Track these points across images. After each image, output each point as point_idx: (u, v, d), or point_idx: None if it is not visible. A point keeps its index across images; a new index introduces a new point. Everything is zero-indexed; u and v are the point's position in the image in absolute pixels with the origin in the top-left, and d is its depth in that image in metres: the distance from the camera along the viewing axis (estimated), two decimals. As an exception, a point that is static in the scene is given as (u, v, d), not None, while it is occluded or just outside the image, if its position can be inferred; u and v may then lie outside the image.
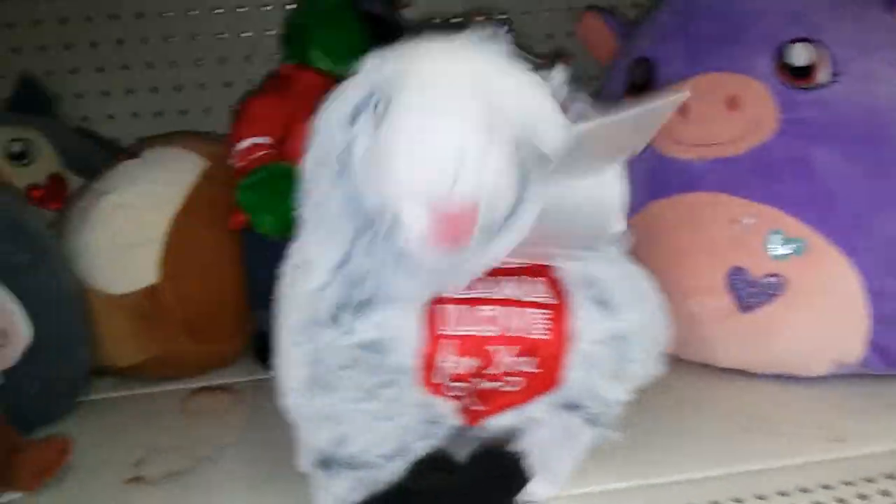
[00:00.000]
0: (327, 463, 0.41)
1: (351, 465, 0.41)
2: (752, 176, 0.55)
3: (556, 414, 0.45)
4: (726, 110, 0.57)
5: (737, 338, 0.57)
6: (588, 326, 0.43)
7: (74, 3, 0.88)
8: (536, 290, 0.43)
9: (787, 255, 0.54)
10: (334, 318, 0.39)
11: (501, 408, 0.44)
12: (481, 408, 0.44)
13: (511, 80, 0.37)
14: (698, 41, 0.60)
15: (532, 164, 0.37)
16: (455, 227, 0.35)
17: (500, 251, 0.39)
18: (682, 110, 0.58)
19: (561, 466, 0.45)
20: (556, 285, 0.44)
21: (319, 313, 0.39)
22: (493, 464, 0.43)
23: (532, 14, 0.96)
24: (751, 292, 0.55)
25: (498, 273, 0.43)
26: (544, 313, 0.43)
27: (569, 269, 0.44)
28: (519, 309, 0.42)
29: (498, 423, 0.45)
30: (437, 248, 0.36)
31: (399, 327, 0.40)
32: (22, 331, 0.52)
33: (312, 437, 0.41)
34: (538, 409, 0.45)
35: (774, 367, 0.57)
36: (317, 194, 0.40)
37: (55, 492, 0.49)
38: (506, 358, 0.42)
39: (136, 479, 0.50)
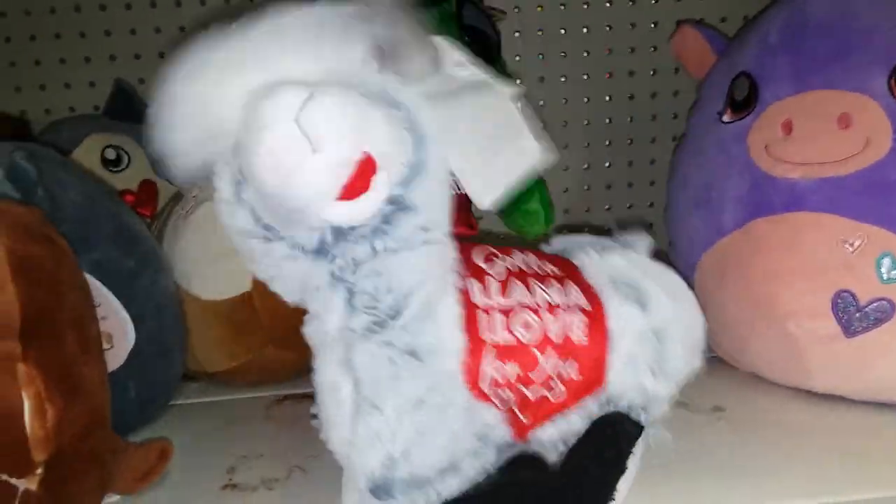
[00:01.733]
0: (379, 491, 0.40)
1: (405, 486, 0.40)
2: (863, 196, 0.53)
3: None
4: (837, 128, 0.55)
5: (838, 363, 0.55)
6: (625, 326, 0.43)
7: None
8: (571, 295, 0.43)
9: (898, 279, 0.52)
10: (370, 331, 0.39)
11: (547, 416, 0.43)
12: (528, 419, 0.43)
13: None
14: (807, 58, 0.58)
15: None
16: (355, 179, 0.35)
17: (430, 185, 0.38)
18: (786, 128, 0.57)
19: None
20: (588, 289, 0.44)
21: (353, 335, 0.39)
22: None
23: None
24: (858, 317, 0.53)
25: (532, 279, 0.44)
26: (581, 318, 0.43)
27: (595, 271, 0.45)
28: (556, 315, 0.42)
29: (545, 434, 0.44)
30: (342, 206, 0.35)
31: (439, 334, 0.40)
32: (127, 335, 0.53)
33: (363, 462, 0.40)
34: (583, 413, 0.44)
35: (874, 395, 0.55)
36: (268, 263, 0.40)
37: (154, 495, 0.50)
38: (547, 363, 0.42)
39: (231, 486, 0.50)
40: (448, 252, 0.41)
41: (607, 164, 1.02)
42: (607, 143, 1.01)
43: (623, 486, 0.44)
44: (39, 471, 0.35)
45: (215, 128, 0.34)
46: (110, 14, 0.90)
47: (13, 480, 0.35)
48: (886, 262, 0.52)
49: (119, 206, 0.57)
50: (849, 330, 0.53)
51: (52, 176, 0.51)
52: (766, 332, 0.58)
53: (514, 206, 0.70)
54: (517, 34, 0.95)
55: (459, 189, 0.66)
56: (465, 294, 0.42)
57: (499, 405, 0.42)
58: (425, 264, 0.39)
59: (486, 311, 0.41)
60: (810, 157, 0.56)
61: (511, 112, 0.41)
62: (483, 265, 0.44)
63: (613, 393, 0.44)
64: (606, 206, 1.03)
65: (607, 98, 0.99)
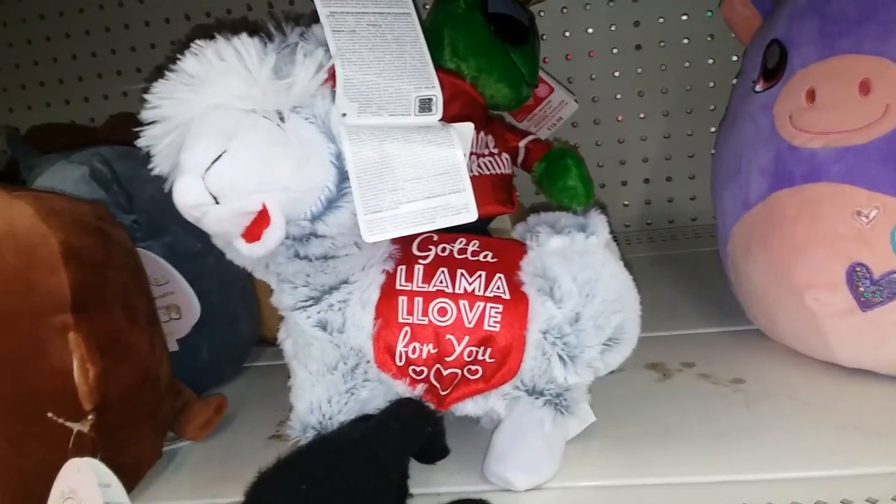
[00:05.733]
0: (305, 428, 0.49)
1: (319, 430, 0.48)
2: (881, 165, 0.51)
3: (519, 402, 0.48)
4: (858, 95, 0.53)
5: (856, 336, 0.54)
6: (535, 318, 0.46)
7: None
8: (493, 285, 0.47)
9: (914, 250, 0.50)
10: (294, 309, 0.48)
11: (464, 395, 0.48)
12: (445, 393, 0.48)
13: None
14: (833, 22, 0.56)
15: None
16: (253, 226, 0.41)
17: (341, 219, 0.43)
18: (809, 96, 0.56)
19: (533, 453, 0.47)
20: (515, 280, 0.47)
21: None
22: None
23: None
24: (873, 290, 0.52)
25: (460, 267, 0.48)
26: (496, 307, 0.47)
27: (529, 259, 0.48)
28: (473, 302, 0.47)
29: (465, 409, 0.49)
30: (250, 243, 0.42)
31: (352, 315, 0.47)
32: (193, 307, 0.62)
33: (297, 404, 0.49)
34: (498, 396, 0.49)
35: (897, 369, 0.54)
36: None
37: (212, 442, 0.59)
38: (461, 348, 0.47)
39: (277, 437, 0.58)
40: (365, 254, 0.46)
41: (689, 133, 1.01)
42: (688, 111, 1.00)
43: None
44: (91, 417, 0.45)
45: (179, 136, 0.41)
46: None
47: (69, 423, 0.45)
48: (902, 233, 0.50)
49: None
50: (863, 303, 0.52)
51: (131, 173, 0.61)
52: (788, 306, 0.57)
53: (553, 184, 0.72)
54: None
55: (500, 168, 0.70)
56: (391, 279, 0.48)
57: (413, 379, 0.48)
58: (340, 264, 0.46)
59: (407, 296, 0.47)
60: (830, 125, 0.54)
61: (456, 164, 0.43)
62: (417, 252, 0.49)
63: (527, 379, 0.48)
64: (690, 176, 1.02)
65: (686, 65, 0.98)
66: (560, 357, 0.46)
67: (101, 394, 0.45)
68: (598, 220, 0.48)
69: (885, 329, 0.52)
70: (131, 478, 0.50)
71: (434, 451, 0.50)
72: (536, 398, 0.48)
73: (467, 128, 0.45)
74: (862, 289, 0.52)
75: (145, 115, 0.41)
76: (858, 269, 0.52)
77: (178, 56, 0.41)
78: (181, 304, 0.62)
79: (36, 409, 0.45)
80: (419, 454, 0.49)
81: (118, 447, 0.48)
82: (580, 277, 0.46)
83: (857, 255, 0.52)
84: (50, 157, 0.65)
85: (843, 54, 0.55)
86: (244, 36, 0.40)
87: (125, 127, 0.93)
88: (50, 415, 0.44)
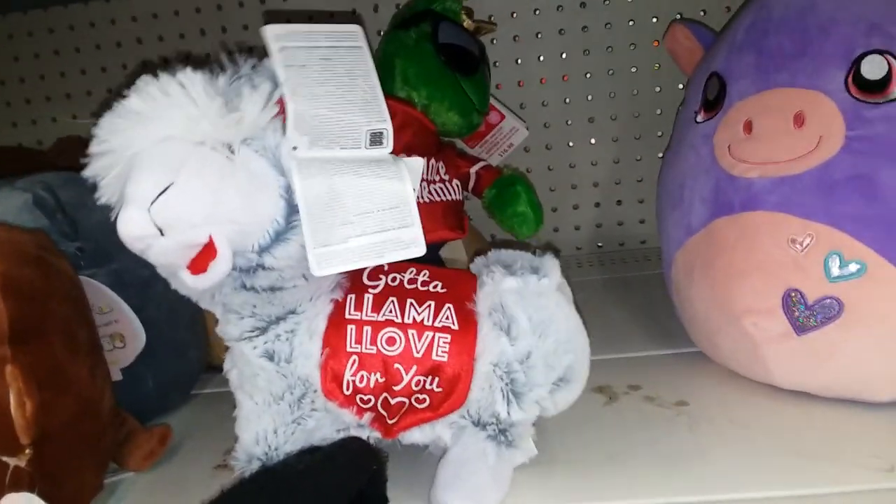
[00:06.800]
0: (251, 459, 0.49)
1: (265, 461, 0.48)
2: (814, 195, 0.53)
3: (465, 432, 0.49)
4: (793, 127, 0.55)
5: (793, 360, 0.55)
6: (487, 351, 0.47)
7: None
8: (442, 315, 0.48)
9: (845, 276, 0.52)
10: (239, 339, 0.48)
11: (412, 424, 0.49)
12: (392, 422, 0.48)
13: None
14: (769, 56, 0.59)
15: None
16: (199, 258, 0.41)
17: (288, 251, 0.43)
18: (746, 127, 0.58)
19: (478, 482, 0.48)
20: (464, 311, 0.48)
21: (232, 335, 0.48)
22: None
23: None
24: (807, 315, 0.53)
25: (409, 297, 0.48)
26: (445, 337, 0.47)
27: (484, 294, 0.48)
28: (422, 332, 0.47)
29: (412, 437, 0.50)
30: (195, 275, 0.41)
31: (302, 342, 0.47)
32: (138, 336, 0.61)
33: (242, 435, 0.49)
34: (445, 425, 0.49)
35: (834, 392, 0.55)
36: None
37: (156, 473, 0.58)
38: (409, 377, 0.47)
39: (223, 466, 0.58)
40: (312, 285, 0.47)
41: (637, 158, 1.03)
42: (636, 137, 1.02)
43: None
44: (28, 451, 0.44)
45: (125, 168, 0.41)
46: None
47: (5, 458, 0.44)
48: (834, 260, 0.52)
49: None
50: (799, 328, 0.54)
51: (76, 200, 0.60)
52: (728, 330, 0.59)
53: (503, 210, 0.74)
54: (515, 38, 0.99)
55: (451, 195, 0.71)
56: (339, 308, 0.48)
57: (361, 407, 0.48)
58: (288, 296, 0.46)
59: (356, 325, 0.47)
60: (766, 156, 0.56)
61: (405, 199, 0.44)
62: (367, 282, 0.49)
63: (472, 410, 0.48)
64: (639, 200, 1.05)
65: (634, 92, 1.00)
66: (503, 392, 0.47)
67: (39, 428, 0.44)
68: (551, 264, 0.49)
69: (820, 353, 0.54)
70: (72, 511, 0.49)
71: (374, 497, 0.49)
72: (482, 430, 0.48)
73: (417, 162, 0.45)
74: (797, 314, 0.54)
75: (92, 148, 0.41)
76: (794, 294, 0.54)
77: (125, 89, 0.40)
78: (125, 333, 0.61)
79: (-29, 444, 0.44)
80: (358, 501, 0.47)
81: (57, 481, 0.47)
82: (535, 317, 0.47)
83: (792, 281, 0.54)
84: (-7, 182, 0.63)
85: (778, 88, 0.57)
86: (188, 70, 0.40)
87: (73, 151, 0.92)
88: (-14, 450, 0.44)
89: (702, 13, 0.96)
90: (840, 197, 0.53)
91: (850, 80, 0.54)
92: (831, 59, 0.55)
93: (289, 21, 0.44)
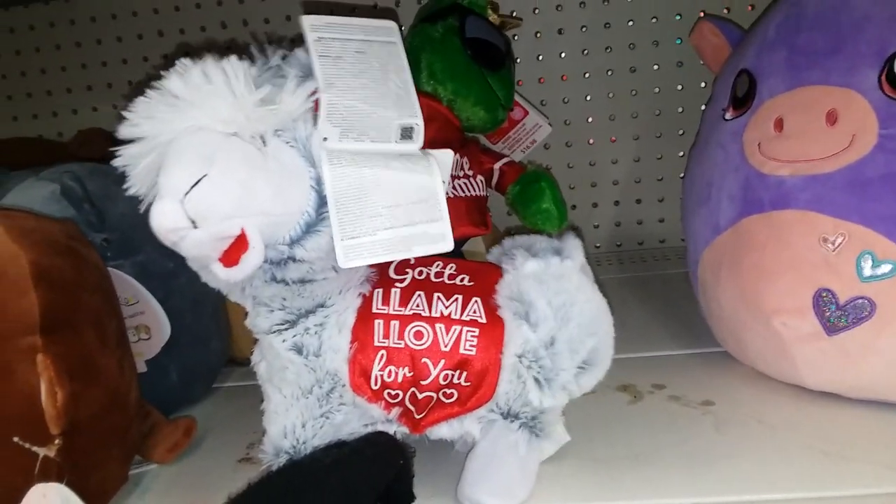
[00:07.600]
0: (278, 452, 0.48)
1: (292, 455, 0.48)
2: (846, 194, 0.53)
3: (494, 425, 0.48)
4: (825, 125, 0.55)
5: (823, 361, 0.55)
6: (511, 342, 0.47)
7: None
8: (470, 308, 0.47)
9: (878, 277, 0.51)
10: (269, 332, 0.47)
11: (440, 419, 0.48)
12: (420, 416, 0.48)
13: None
14: (801, 53, 0.58)
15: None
16: (231, 250, 0.40)
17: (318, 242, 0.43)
18: (777, 125, 0.57)
19: (506, 477, 0.47)
20: (491, 304, 0.48)
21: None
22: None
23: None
24: (838, 315, 0.53)
25: (436, 291, 0.48)
26: (472, 331, 0.47)
27: (506, 282, 0.48)
28: (450, 326, 0.47)
29: (440, 432, 0.49)
30: (227, 268, 0.41)
31: (331, 336, 0.46)
32: (163, 327, 0.61)
33: (270, 428, 0.49)
34: (474, 420, 0.49)
35: (864, 393, 0.55)
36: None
37: (181, 466, 0.58)
38: (437, 371, 0.47)
39: (246, 460, 0.58)
40: (342, 278, 0.46)
41: (658, 157, 1.02)
42: (657, 135, 1.01)
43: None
44: (57, 441, 0.44)
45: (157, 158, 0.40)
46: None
47: (35, 448, 0.43)
48: (867, 260, 0.52)
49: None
50: (829, 328, 0.53)
51: (102, 191, 0.60)
52: (757, 330, 0.58)
53: (527, 206, 0.73)
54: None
55: (475, 191, 0.71)
56: (367, 303, 0.48)
57: (389, 402, 0.47)
58: (318, 288, 0.46)
59: (383, 320, 0.47)
60: (798, 154, 0.56)
61: (434, 193, 0.44)
62: (393, 276, 0.49)
63: (502, 403, 0.48)
64: (659, 198, 1.04)
65: (656, 90, 1.00)
66: (536, 380, 0.47)
67: (69, 418, 0.44)
68: (573, 244, 0.49)
69: (851, 353, 0.53)
70: (97, 503, 0.49)
71: (400, 493, 0.49)
72: (512, 421, 0.48)
73: (447, 156, 0.45)
74: (828, 314, 0.53)
75: (123, 132, 0.40)
76: (825, 294, 0.53)
77: (161, 74, 0.40)
78: (151, 324, 0.61)
79: (1, 434, 0.43)
80: (385, 497, 0.47)
81: (85, 472, 0.47)
82: (555, 301, 0.46)
83: (823, 281, 0.53)
84: (19, 173, 0.63)
85: (811, 85, 0.57)
86: (233, 58, 0.40)
87: (95, 143, 0.93)
88: (16, 439, 0.43)
89: (725, 10, 0.95)
90: (873, 196, 0.52)
91: (883, 78, 0.54)
92: (865, 57, 0.55)
93: (332, 13, 0.43)
